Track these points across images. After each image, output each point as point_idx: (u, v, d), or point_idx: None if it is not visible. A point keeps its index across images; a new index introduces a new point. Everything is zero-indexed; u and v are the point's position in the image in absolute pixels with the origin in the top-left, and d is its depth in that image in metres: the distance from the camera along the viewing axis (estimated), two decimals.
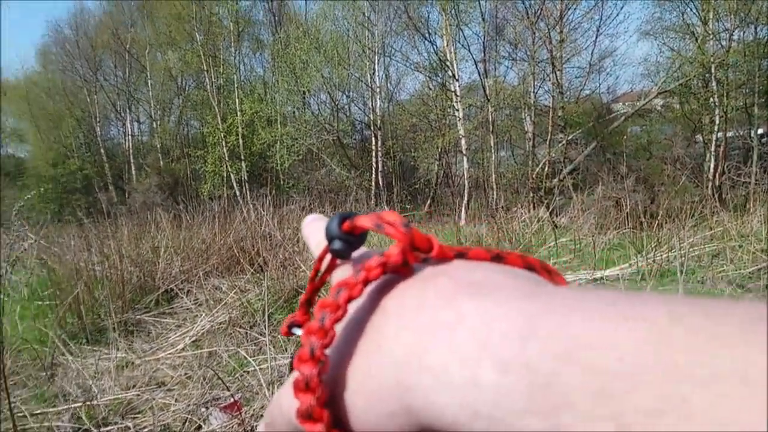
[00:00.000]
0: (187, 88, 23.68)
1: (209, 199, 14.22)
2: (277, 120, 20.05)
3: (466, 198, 16.00)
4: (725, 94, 14.93)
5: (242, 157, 19.77)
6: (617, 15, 23.73)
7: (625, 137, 14.77)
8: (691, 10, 16.47)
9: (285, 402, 0.27)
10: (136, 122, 25.31)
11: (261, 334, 4.36)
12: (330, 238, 0.31)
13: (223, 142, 19.59)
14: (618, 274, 6.38)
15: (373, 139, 19.31)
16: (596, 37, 17.99)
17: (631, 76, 50.47)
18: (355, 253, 0.32)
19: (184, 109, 23.42)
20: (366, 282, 0.26)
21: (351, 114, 21.48)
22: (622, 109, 17.85)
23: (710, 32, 15.35)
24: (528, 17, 16.76)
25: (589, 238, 8.00)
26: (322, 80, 19.44)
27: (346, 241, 0.30)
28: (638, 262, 6.41)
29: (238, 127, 19.58)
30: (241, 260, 6.15)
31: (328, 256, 0.32)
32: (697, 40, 15.70)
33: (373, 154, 19.07)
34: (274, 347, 4.06)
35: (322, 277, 0.33)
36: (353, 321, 0.26)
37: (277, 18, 23.69)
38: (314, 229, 0.37)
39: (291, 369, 0.30)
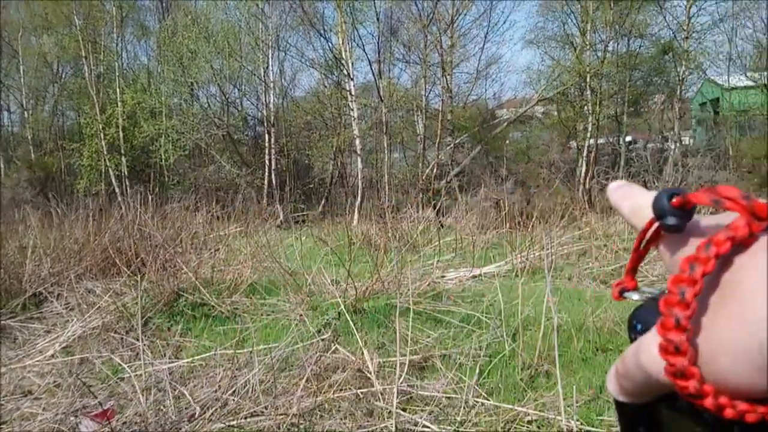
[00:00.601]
0: (63, 76, 22.02)
1: (85, 195, 13.37)
2: (162, 112, 19.15)
3: (359, 198, 16.19)
4: (598, 103, 16.20)
5: (122, 151, 18.65)
6: (504, 23, 25.00)
7: (506, 142, 15.65)
8: (571, 20, 17.73)
9: (645, 360, 0.31)
10: (5, 111, 23.18)
11: (137, 339, 4.22)
12: (661, 214, 0.33)
13: (102, 135, 18.37)
14: (495, 271, 6.78)
15: (266, 135, 18.99)
16: (484, 44, 18.89)
17: (515, 83, 53.16)
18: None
19: (60, 98, 21.75)
20: (717, 256, 0.28)
21: (243, 109, 21.00)
22: (506, 115, 18.84)
23: (588, 43, 16.59)
24: (421, 20, 17.24)
25: (470, 237, 8.41)
26: (211, 72, 18.80)
27: (679, 216, 0.32)
28: (513, 260, 6.85)
29: (118, 119, 18.46)
30: (118, 262, 5.88)
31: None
32: (575, 50, 16.91)
33: (266, 151, 18.75)
34: (151, 353, 3.95)
35: (646, 247, 0.36)
36: (710, 293, 0.29)
37: (164, 4, 22.66)
38: (624, 195, 0.38)
39: (631, 329, 0.36)
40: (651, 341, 0.30)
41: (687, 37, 16.15)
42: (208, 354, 3.86)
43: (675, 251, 0.33)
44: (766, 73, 16.59)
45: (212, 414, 2.94)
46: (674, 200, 0.32)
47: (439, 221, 10.86)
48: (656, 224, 0.34)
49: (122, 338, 4.36)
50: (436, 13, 17.15)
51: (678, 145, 17.06)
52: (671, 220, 0.32)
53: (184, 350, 4.25)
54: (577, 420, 2.91)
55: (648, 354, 0.31)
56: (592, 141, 16.28)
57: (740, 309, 0.27)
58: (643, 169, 15.10)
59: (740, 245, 0.29)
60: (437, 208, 11.52)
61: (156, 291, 5.08)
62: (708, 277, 0.29)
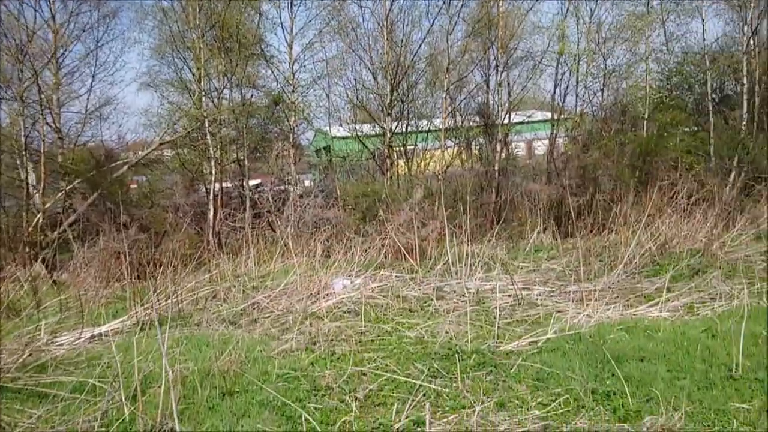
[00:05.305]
0: None
1: None
2: None
3: None
4: (219, 147, 16.66)
5: None
6: (114, 62, 23.64)
7: (126, 187, 14.74)
8: (187, 67, 17.86)
9: None
10: None
11: None
12: None
13: None
14: (119, 327, 6.22)
15: None
16: (91, 83, 17.51)
17: (135, 125, 50.77)
18: None
19: None
20: None
21: None
22: (129, 158, 17.85)
23: (203, 89, 16.99)
24: (15, 52, 15.08)
25: (90, 293, 7.61)
26: None
27: None
28: (138, 313, 6.39)
29: None
30: None
31: None
32: (192, 95, 17.13)
33: None
34: None
35: None
36: None
37: None
38: None
39: None
40: None
41: (293, 91, 17.95)
42: None
43: None
44: (357, 126, 19.67)
45: None
46: None
47: (52, 278, 9.53)
48: None
49: None
50: (30, 46, 15.21)
51: (298, 187, 18.70)
52: None
53: None
54: None
55: None
56: (218, 185, 16.58)
57: None
58: (266, 210, 16.05)
59: None
60: (48, 263, 10.07)
61: None
62: None
